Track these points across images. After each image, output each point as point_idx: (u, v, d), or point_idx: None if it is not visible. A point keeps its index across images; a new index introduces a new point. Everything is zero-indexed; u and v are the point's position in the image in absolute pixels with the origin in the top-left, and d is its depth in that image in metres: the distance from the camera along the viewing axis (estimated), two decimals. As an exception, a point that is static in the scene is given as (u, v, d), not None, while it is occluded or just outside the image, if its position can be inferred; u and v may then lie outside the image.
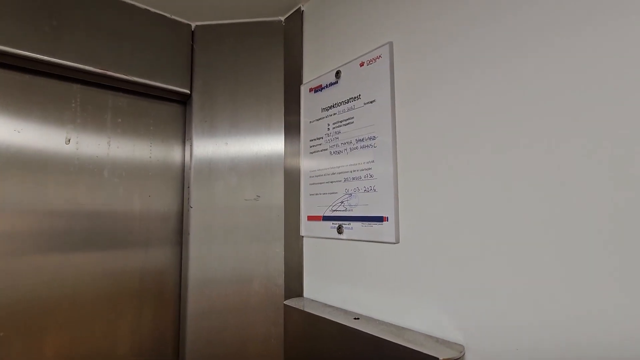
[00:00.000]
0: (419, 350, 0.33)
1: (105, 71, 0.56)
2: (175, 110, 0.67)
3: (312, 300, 0.52)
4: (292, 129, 0.59)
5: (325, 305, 0.49)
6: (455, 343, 0.34)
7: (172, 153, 0.66)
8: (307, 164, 0.55)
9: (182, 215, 0.66)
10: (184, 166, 0.66)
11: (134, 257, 0.60)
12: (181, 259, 0.64)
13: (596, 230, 0.27)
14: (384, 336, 0.36)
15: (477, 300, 0.33)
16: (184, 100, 0.67)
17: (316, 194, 0.53)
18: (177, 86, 0.63)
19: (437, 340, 0.35)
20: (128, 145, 0.61)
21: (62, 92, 0.56)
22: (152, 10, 0.61)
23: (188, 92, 0.64)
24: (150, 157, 0.63)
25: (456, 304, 0.35)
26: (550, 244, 0.29)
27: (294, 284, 0.56)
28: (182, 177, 0.66)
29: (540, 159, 0.30)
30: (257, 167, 0.61)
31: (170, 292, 0.63)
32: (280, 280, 0.57)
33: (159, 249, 0.63)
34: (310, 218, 0.54)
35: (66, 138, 0.55)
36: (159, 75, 0.61)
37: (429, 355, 0.32)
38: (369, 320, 0.42)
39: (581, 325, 0.27)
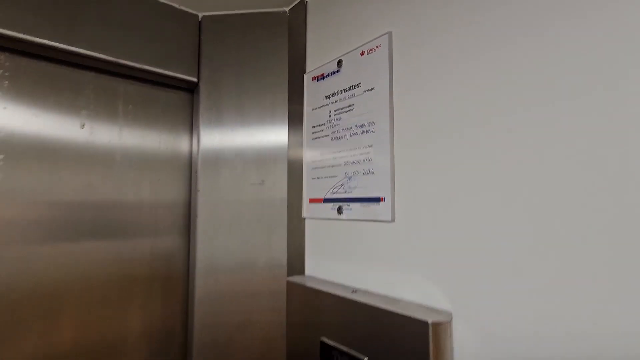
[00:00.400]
0: (411, 315, 0.36)
1: (117, 59, 0.58)
2: (183, 99, 0.70)
3: (313, 277, 0.55)
4: (295, 117, 0.62)
5: (325, 281, 0.52)
6: (444, 310, 0.37)
7: (180, 140, 0.69)
8: (309, 150, 0.58)
9: (190, 199, 0.69)
10: (191, 153, 0.69)
11: (143, 241, 0.63)
12: (189, 240, 0.68)
13: (580, 204, 0.30)
14: (379, 305, 0.40)
15: (464, 272, 0.36)
16: (191, 89, 0.70)
17: (318, 178, 0.56)
18: (185, 74, 0.65)
19: (428, 308, 0.38)
20: (138, 132, 0.64)
21: (76, 79, 0.59)
22: (161, 0, 0.63)
23: (195, 80, 0.67)
24: (159, 144, 0.66)
25: (445, 276, 0.38)
26: (536, 221, 0.32)
27: (296, 263, 0.59)
28: (189, 163, 0.69)
29: (533, 145, 0.33)
30: (261, 153, 0.64)
31: (179, 271, 0.67)
32: (284, 261, 0.61)
33: (167, 233, 0.66)
34: (312, 200, 0.57)
35: (81, 123, 0.58)
36: (168, 64, 0.64)
37: (419, 319, 0.35)
38: (366, 292, 0.45)
39: (565, 295, 0.30)
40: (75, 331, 0.56)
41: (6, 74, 0.53)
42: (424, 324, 0.35)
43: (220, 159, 0.65)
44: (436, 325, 0.35)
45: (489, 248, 0.35)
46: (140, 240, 0.63)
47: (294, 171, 0.61)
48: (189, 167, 0.69)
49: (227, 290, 0.62)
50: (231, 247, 0.64)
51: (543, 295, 0.31)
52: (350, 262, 0.49)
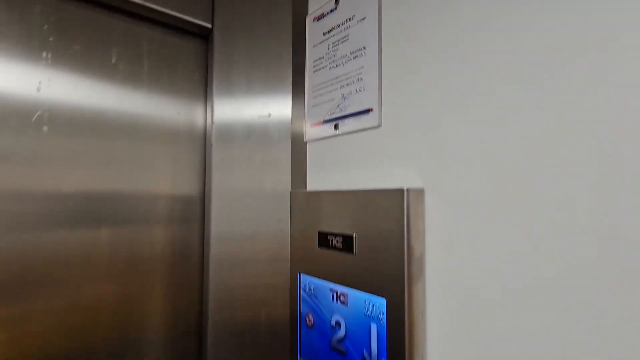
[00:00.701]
0: (389, 188, 0.45)
1: (142, 2, 0.67)
2: (197, 45, 0.78)
3: (313, 188, 0.64)
4: (298, 56, 0.70)
5: (323, 190, 0.61)
6: (419, 187, 0.46)
7: (194, 79, 0.77)
8: (310, 80, 0.66)
9: (205, 130, 0.77)
10: (206, 88, 0.78)
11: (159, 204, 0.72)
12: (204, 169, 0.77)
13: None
14: (364, 188, 0.48)
15: (434, 160, 0.45)
16: (205, 35, 0.78)
17: (317, 105, 0.64)
18: (200, 20, 0.74)
19: (405, 186, 0.47)
20: (158, 75, 0.72)
21: (103, 23, 0.67)
22: (180, -49, 0.71)
23: (210, 26, 0.75)
24: (175, 87, 0.75)
25: (420, 163, 0.46)
26: (499, 120, 0.40)
27: (299, 180, 0.68)
28: (204, 92, 0.78)
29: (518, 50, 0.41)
30: (269, 87, 0.73)
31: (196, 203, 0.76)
32: (287, 178, 0.69)
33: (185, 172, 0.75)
34: (312, 125, 0.65)
35: (112, 61, 0.67)
36: (184, 9, 0.72)
37: (396, 188, 0.44)
38: (357, 189, 0.54)
39: (517, 165, 0.38)
40: (102, 297, 0.66)
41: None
42: (400, 191, 0.44)
43: (230, 93, 0.74)
44: (410, 191, 0.43)
45: (455, 138, 0.43)
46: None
47: (298, 100, 0.69)
48: (204, 101, 0.78)
49: (236, 211, 0.72)
50: (243, 177, 0.73)
51: (497, 171, 0.39)
52: (344, 170, 0.58)
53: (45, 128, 0.60)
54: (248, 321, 0.71)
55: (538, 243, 0.35)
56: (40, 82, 0.59)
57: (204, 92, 0.79)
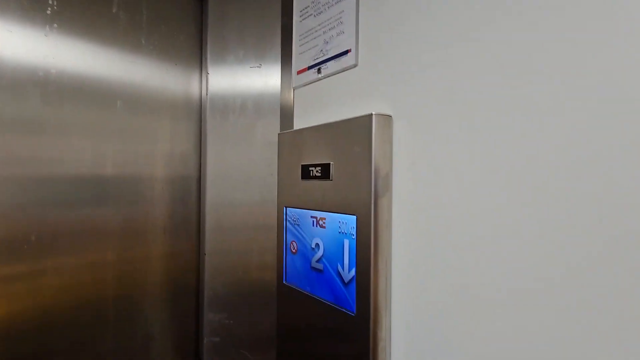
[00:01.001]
0: (359, 115, 0.49)
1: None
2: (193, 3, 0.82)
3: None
4: (286, 9, 0.73)
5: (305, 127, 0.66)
6: (387, 114, 0.50)
7: (190, 32, 0.81)
8: (297, 30, 0.70)
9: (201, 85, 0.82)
10: (201, 47, 0.82)
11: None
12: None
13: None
14: (339, 119, 0.53)
15: (403, 89, 0.49)
16: (200, -9, 0.82)
17: (304, 52, 0.68)
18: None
19: (375, 114, 0.51)
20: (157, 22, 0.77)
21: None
22: None
23: (204, -19, 0.78)
24: (172, 39, 0.79)
25: (390, 94, 0.51)
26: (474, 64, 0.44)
27: (287, 126, 0.73)
28: (199, 54, 0.82)
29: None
30: (260, 40, 0.77)
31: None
32: (277, 124, 0.74)
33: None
34: (299, 72, 0.69)
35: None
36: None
37: (365, 114, 0.49)
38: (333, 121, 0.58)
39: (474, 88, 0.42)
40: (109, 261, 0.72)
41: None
42: (369, 116, 0.48)
43: (225, 51, 0.78)
44: (378, 116, 0.48)
45: (422, 72, 0.47)
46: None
47: (286, 50, 0.73)
48: (200, 61, 0.82)
49: (232, 163, 0.77)
50: (237, 124, 0.78)
51: (458, 99, 0.43)
52: (326, 108, 0.63)
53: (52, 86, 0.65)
54: (241, 250, 0.77)
55: (489, 162, 0.40)
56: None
57: (199, 54, 0.83)
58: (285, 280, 0.65)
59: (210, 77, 0.79)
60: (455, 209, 0.42)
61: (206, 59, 0.79)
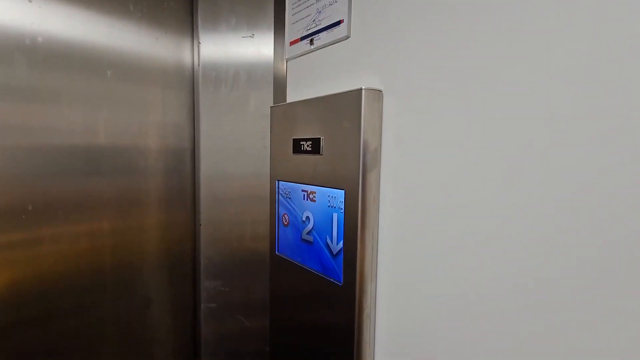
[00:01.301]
0: (349, 89, 0.49)
1: None
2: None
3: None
4: (280, -27, 0.71)
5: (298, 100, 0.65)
6: (377, 89, 0.50)
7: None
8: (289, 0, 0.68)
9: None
10: (192, 18, 0.79)
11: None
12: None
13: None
14: (330, 92, 0.52)
15: (394, 63, 0.48)
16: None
17: (296, 22, 0.66)
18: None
19: (366, 89, 0.51)
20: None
21: None
22: None
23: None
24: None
25: (381, 68, 0.50)
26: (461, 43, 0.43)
27: (280, 98, 0.72)
28: (191, 22, 0.80)
29: None
30: (252, 10, 0.74)
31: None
32: (270, 96, 0.74)
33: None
34: (291, 43, 0.68)
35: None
36: None
37: (355, 89, 0.48)
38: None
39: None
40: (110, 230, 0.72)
41: None
42: (359, 91, 0.48)
43: (216, 19, 0.76)
44: (368, 91, 0.48)
45: (414, 47, 0.46)
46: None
47: (279, 21, 0.71)
48: (191, 29, 0.80)
49: (226, 135, 0.77)
50: (232, 96, 0.77)
51: (449, 76, 0.43)
52: (318, 82, 0.62)
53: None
54: (235, 221, 0.79)
55: (479, 138, 0.40)
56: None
57: (190, 22, 0.80)
58: (278, 250, 0.67)
59: (202, 46, 0.77)
60: (443, 184, 0.43)
61: (197, 27, 0.76)
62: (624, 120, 0.29)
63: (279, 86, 0.73)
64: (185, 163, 0.81)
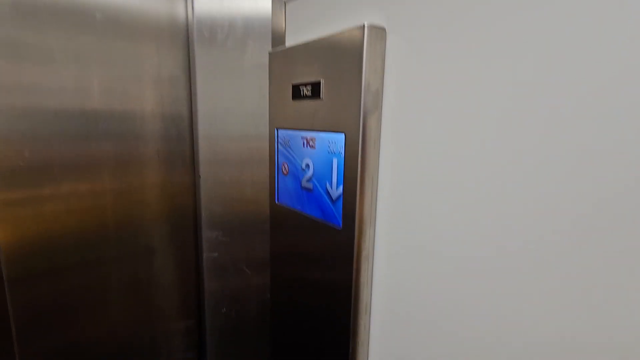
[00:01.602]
0: (351, 27, 0.47)
1: None
2: None
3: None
4: None
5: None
6: (380, 26, 0.47)
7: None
8: None
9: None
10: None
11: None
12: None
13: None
14: (330, 33, 0.50)
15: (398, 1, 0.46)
16: None
17: (296, -41, 0.62)
18: None
19: (368, 27, 0.49)
20: None
21: None
22: None
23: None
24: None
25: (384, 5, 0.47)
26: None
27: (278, 44, 0.69)
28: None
29: None
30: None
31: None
32: (268, 43, 0.71)
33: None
34: (290, -18, 0.64)
35: None
36: None
37: (357, 26, 0.46)
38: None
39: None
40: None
41: None
42: (361, 27, 0.46)
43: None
44: (371, 27, 0.46)
45: (416, -38, 0.43)
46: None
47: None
48: (184, -31, 0.76)
49: (223, 93, 0.75)
50: (227, 45, 0.74)
51: (457, 16, 0.40)
52: (318, 25, 0.59)
53: None
54: (235, 180, 0.79)
55: (488, 83, 0.38)
56: None
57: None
58: (277, 200, 0.68)
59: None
60: (446, 129, 0.42)
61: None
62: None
63: (278, 36, 0.69)
64: (183, 118, 0.80)
